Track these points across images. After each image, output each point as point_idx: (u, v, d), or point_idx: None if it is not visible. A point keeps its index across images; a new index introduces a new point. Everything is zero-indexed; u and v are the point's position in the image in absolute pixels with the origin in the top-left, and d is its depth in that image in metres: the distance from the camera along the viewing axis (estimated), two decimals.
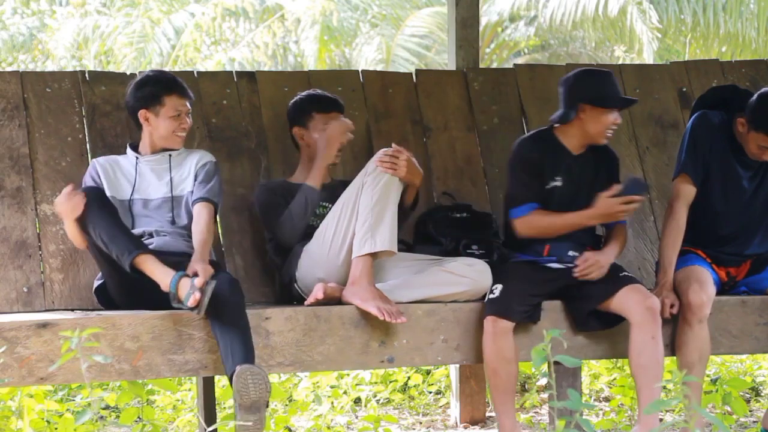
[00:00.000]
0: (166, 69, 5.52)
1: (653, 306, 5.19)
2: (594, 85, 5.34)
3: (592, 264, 5.29)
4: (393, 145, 5.28)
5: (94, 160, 5.47)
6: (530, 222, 5.35)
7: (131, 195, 5.33)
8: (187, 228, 5.31)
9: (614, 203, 5.25)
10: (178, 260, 5.08)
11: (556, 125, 5.43)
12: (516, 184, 5.42)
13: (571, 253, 5.35)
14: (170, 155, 5.39)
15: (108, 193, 5.28)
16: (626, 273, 5.36)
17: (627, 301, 5.22)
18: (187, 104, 5.39)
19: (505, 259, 5.52)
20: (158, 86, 5.35)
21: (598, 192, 5.32)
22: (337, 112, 5.63)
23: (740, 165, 5.51)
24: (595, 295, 5.29)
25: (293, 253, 5.39)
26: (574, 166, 5.41)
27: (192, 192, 5.34)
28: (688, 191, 5.45)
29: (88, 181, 5.37)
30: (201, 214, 5.25)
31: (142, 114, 5.34)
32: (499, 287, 5.26)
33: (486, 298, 5.28)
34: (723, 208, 5.45)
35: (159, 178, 5.38)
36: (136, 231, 5.23)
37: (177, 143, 5.39)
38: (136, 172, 5.37)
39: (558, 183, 5.40)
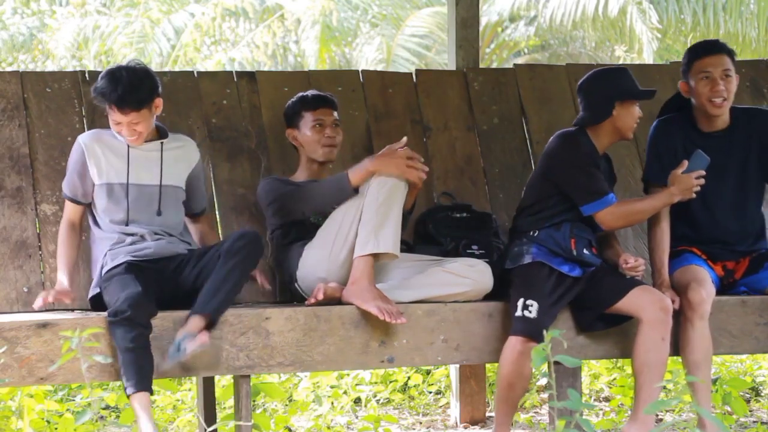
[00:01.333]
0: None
1: (668, 307, 5.20)
2: (623, 81, 5.34)
3: (641, 264, 5.30)
4: (404, 140, 5.25)
5: (80, 141, 5.21)
6: (619, 212, 5.29)
7: (128, 179, 5.17)
8: (174, 228, 5.24)
9: (690, 178, 5.24)
10: (176, 265, 5.11)
11: (586, 126, 5.37)
12: (587, 178, 5.29)
13: (585, 251, 5.34)
14: (162, 143, 5.24)
15: (98, 181, 5.14)
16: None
17: (641, 301, 5.20)
18: (128, 119, 5.09)
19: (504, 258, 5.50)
20: (107, 93, 5.09)
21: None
22: (326, 108, 5.61)
23: (716, 166, 5.39)
24: (603, 299, 5.28)
25: (294, 252, 5.38)
26: (602, 166, 5.40)
27: (183, 190, 5.28)
28: None
29: (77, 167, 5.18)
30: (208, 226, 5.51)
31: None
32: (534, 306, 5.17)
33: (516, 314, 5.18)
34: (704, 216, 5.43)
35: (151, 164, 5.22)
36: (132, 228, 5.15)
37: (132, 143, 5.20)
38: (128, 155, 5.19)
39: None
